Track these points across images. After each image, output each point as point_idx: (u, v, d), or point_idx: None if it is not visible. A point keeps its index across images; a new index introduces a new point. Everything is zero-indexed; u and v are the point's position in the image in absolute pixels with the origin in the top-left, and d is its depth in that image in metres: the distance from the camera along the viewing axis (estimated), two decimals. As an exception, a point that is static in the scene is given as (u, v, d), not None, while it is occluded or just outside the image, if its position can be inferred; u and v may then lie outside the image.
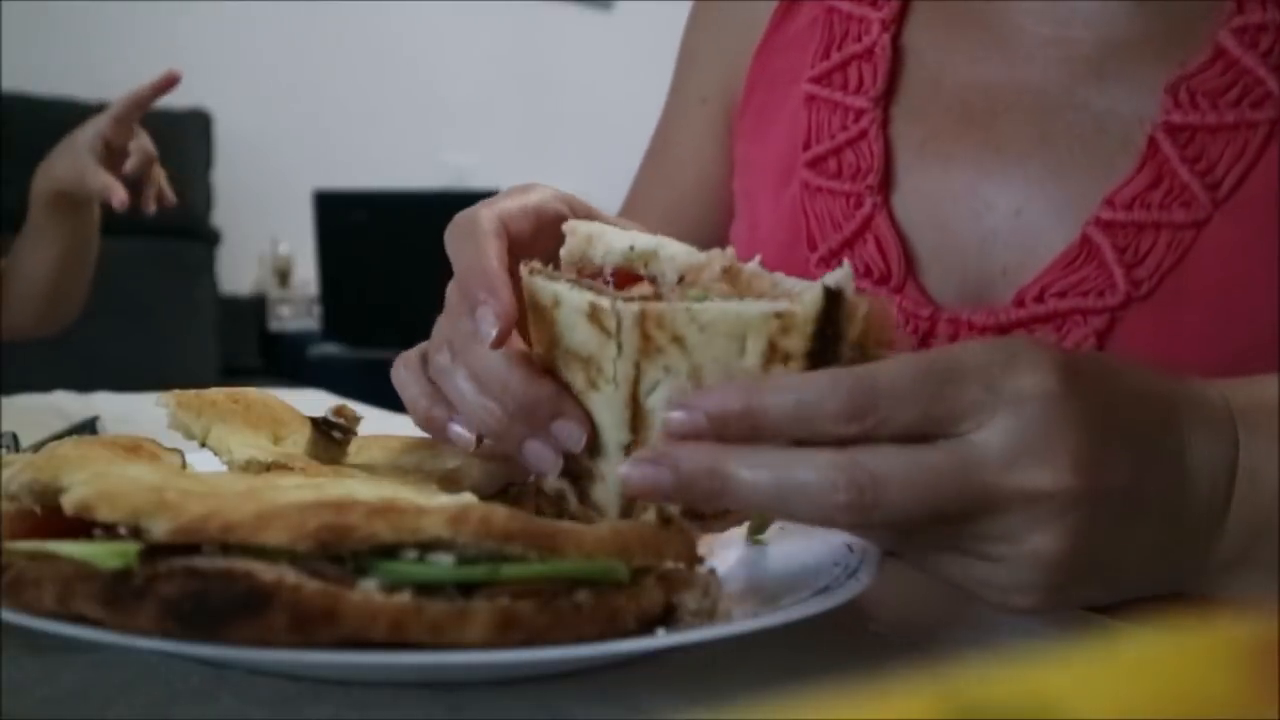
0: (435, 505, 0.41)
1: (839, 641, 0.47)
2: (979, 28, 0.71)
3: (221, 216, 3.23)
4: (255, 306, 3.43)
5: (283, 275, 3.49)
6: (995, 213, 0.67)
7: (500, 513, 0.40)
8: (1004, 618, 0.52)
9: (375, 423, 0.64)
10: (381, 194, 3.07)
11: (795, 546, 0.53)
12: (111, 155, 1.33)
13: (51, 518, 0.43)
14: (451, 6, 3.63)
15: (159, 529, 0.39)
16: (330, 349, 3.15)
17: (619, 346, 0.46)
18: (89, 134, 1.31)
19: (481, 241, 0.50)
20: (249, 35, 3.43)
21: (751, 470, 0.41)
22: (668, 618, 0.43)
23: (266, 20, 3.44)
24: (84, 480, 0.42)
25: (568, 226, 0.51)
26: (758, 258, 0.49)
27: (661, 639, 0.41)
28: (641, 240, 0.50)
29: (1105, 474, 0.43)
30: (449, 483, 0.54)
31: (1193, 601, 0.50)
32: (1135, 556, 0.45)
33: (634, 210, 0.89)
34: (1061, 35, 0.68)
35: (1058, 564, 0.42)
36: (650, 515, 0.48)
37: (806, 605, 0.43)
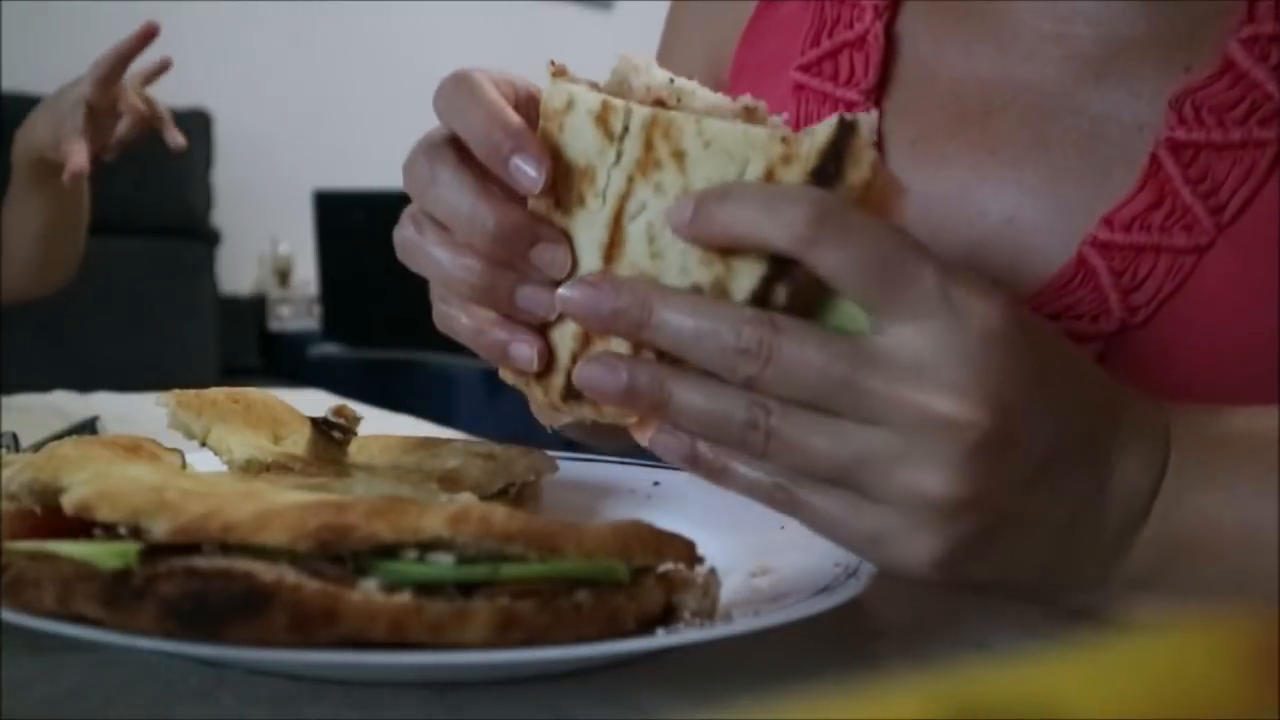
0: (435, 505, 0.41)
1: (839, 641, 0.47)
2: (976, 18, 0.68)
3: (221, 216, 3.23)
4: (255, 306, 3.43)
5: (283, 275, 3.49)
6: (987, 219, 0.64)
7: (500, 513, 0.40)
8: (1004, 618, 0.52)
9: (375, 423, 0.64)
10: (381, 194, 3.07)
11: (795, 546, 0.53)
12: (97, 118, 1.25)
13: (51, 518, 0.43)
14: (451, 6, 3.63)
15: (159, 529, 0.39)
16: (330, 349, 3.15)
17: (618, 154, 0.46)
18: (71, 98, 1.24)
19: (490, 96, 0.47)
20: (249, 35, 3.43)
21: (674, 311, 0.43)
22: (668, 618, 0.43)
23: (266, 20, 3.44)
24: (84, 480, 0.42)
25: (620, 55, 0.49)
26: (784, 115, 0.47)
27: (661, 639, 0.41)
28: (682, 80, 0.48)
29: (1022, 428, 0.41)
30: (449, 483, 0.54)
31: (1088, 619, 0.50)
32: (1036, 541, 0.44)
33: None
34: (1062, 32, 0.65)
35: (949, 510, 0.41)
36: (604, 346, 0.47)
37: (806, 605, 0.43)
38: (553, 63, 0.48)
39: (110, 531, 0.41)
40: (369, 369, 3.02)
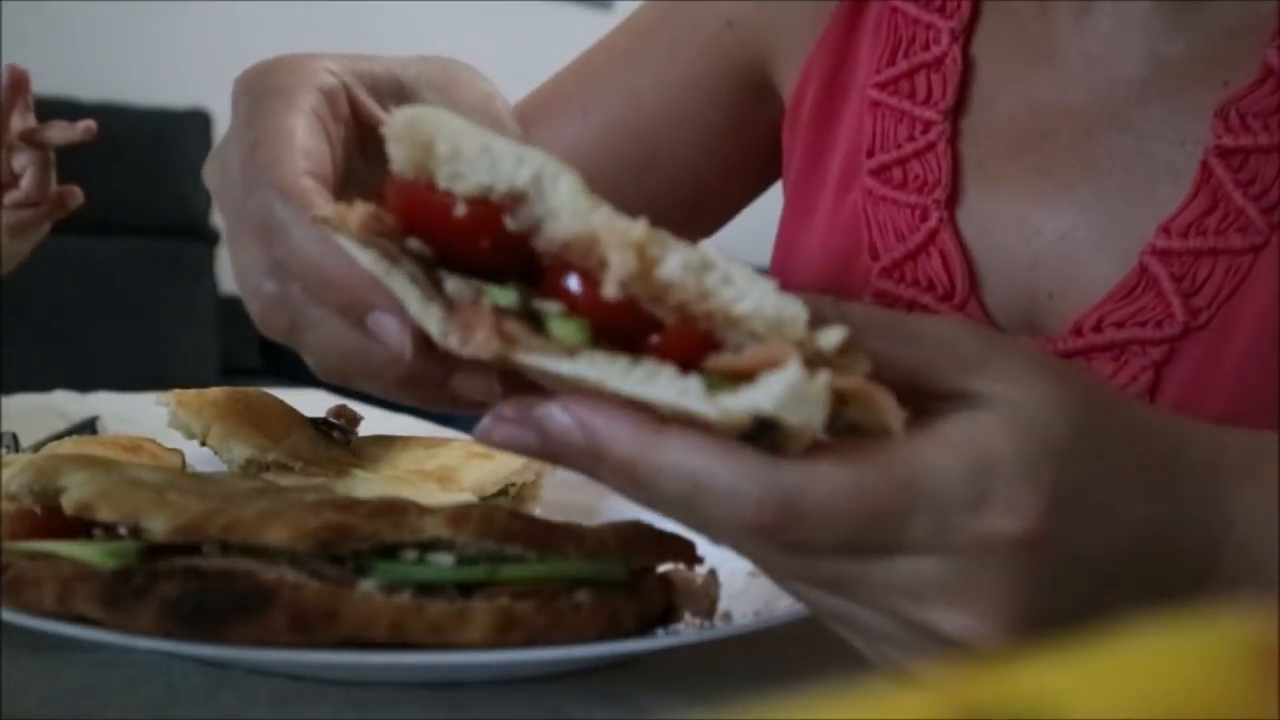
0: (435, 505, 0.41)
1: (839, 641, 0.47)
2: (1035, 45, 0.70)
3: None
4: (255, 306, 3.43)
5: (283, 275, 3.48)
6: (1042, 238, 0.67)
7: (500, 513, 0.40)
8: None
9: (375, 423, 0.64)
10: (381, 194, 3.06)
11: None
12: None
13: (51, 518, 0.43)
14: (451, 6, 3.63)
15: (159, 529, 0.39)
16: (330, 349, 3.15)
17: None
18: None
19: (304, 223, 0.39)
20: (249, 35, 3.43)
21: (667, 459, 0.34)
22: (668, 618, 0.43)
23: (266, 20, 3.44)
24: (84, 480, 0.42)
25: (393, 125, 0.36)
26: (704, 243, 0.35)
27: (661, 639, 0.41)
28: (508, 170, 0.34)
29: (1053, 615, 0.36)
30: (449, 483, 0.54)
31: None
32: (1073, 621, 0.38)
33: (543, 117, 0.76)
34: (1108, 54, 0.68)
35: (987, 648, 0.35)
36: None
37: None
38: (321, 218, 0.38)
39: (110, 531, 0.41)
40: (369, 369, 3.01)
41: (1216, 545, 0.41)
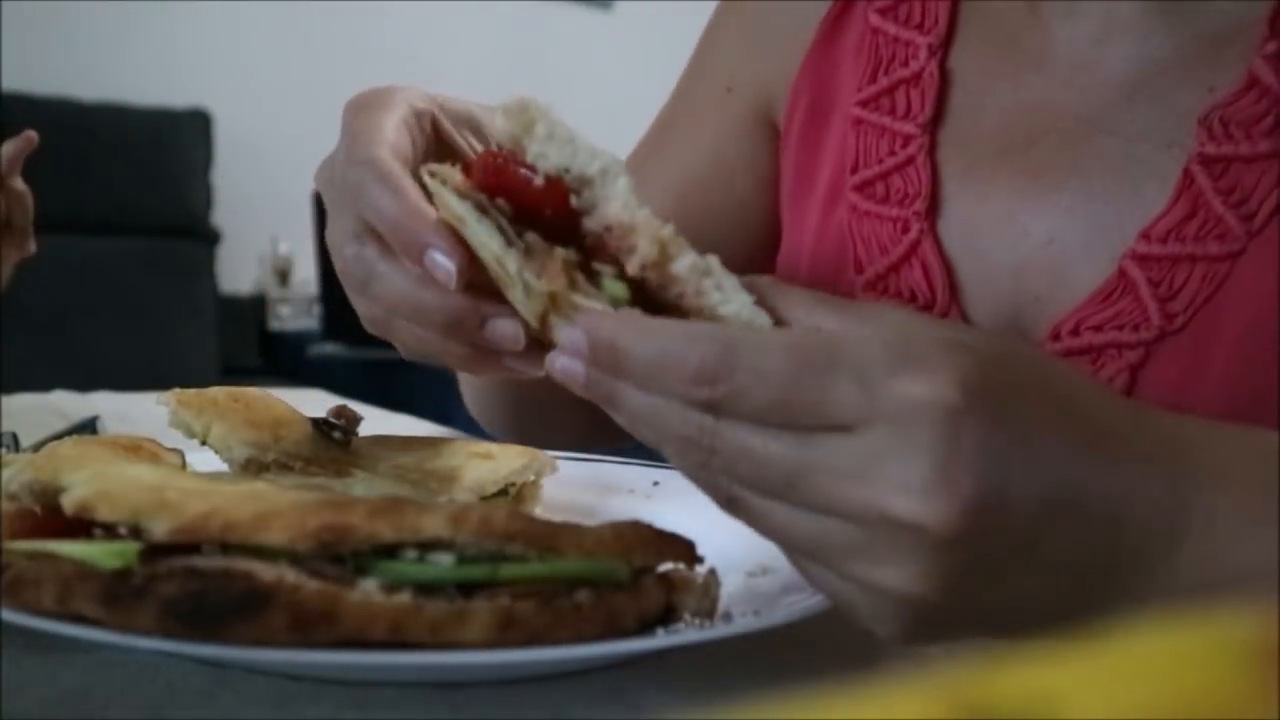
0: (435, 505, 0.41)
1: (839, 641, 0.47)
2: (1020, 51, 0.71)
3: (221, 216, 3.23)
4: (255, 306, 3.43)
5: (283, 275, 3.49)
6: (1029, 241, 0.67)
7: (500, 513, 0.40)
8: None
9: (375, 423, 0.64)
10: (381, 194, 3.06)
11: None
12: None
13: (51, 518, 0.43)
14: (451, 6, 3.63)
15: (159, 529, 0.39)
16: (330, 349, 3.15)
17: (526, 290, 0.44)
18: None
19: (399, 185, 0.50)
20: (249, 35, 3.43)
21: (632, 391, 0.40)
22: (668, 618, 0.43)
23: (266, 20, 3.44)
24: (84, 480, 0.42)
25: (508, 103, 0.46)
26: (713, 258, 0.43)
27: (661, 639, 0.41)
28: (585, 160, 0.44)
29: (996, 512, 0.37)
30: (449, 482, 0.54)
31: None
32: (1023, 605, 0.40)
33: None
34: (1097, 57, 0.68)
35: (913, 606, 0.38)
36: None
37: (806, 605, 0.43)
38: (430, 170, 0.48)
39: (110, 531, 0.41)
40: (369, 369, 3.01)
41: (1169, 535, 0.41)
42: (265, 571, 0.38)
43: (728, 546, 0.53)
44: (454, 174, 0.47)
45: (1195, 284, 0.62)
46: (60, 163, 2.83)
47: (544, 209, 0.44)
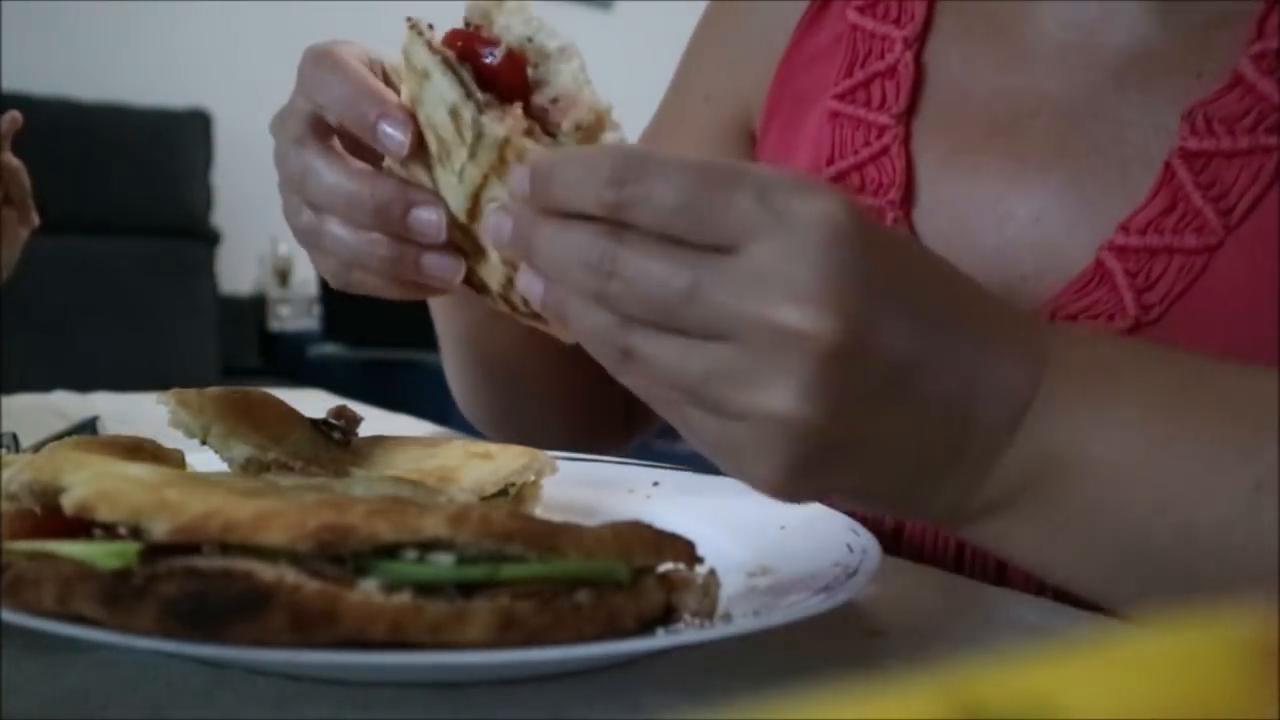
0: (435, 505, 0.41)
1: (839, 641, 0.47)
2: (1004, 37, 0.72)
3: (221, 216, 3.23)
4: (255, 306, 3.43)
5: (283, 275, 3.48)
6: (1015, 221, 0.68)
7: (500, 512, 0.40)
8: (1004, 618, 0.52)
9: (375, 423, 0.64)
10: (381, 194, 3.06)
11: (795, 547, 0.53)
12: None
13: (51, 518, 0.43)
14: (452, 7, 3.62)
15: (159, 529, 0.39)
16: (330, 349, 3.15)
17: (471, 153, 0.47)
18: None
19: (353, 67, 0.52)
20: (249, 35, 3.43)
21: (545, 231, 0.43)
22: (668, 618, 0.43)
23: (266, 20, 3.44)
24: (84, 480, 0.42)
25: None
26: (619, 132, 0.49)
27: (661, 639, 0.41)
28: (546, 36, 0.49)
29: (873, 334, 0.40)
30: (449, 482, 0.54)
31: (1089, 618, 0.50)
32: (891, 454, 0.43)
33: None
34: (1085, 42, 0.69)
35: (798, 429, 0.40)
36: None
37: (806, 605, 0.43)
38: (409, 20, 0.51)
39: (110, 531, 0.41)
40: (369, 369, 3.02)
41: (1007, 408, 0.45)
42: (265, 572, 0.38)
43: (728, 547, 0.53)
44: (429, 30, 0.50)
45: (1172, 276, 0.62)
46: (60, 163, 2.83)
47: (501, 80, 0.48)
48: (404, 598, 0.38)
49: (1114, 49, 0.68)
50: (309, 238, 0.55)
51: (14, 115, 1.15)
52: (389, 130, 0.50)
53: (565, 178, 0.42)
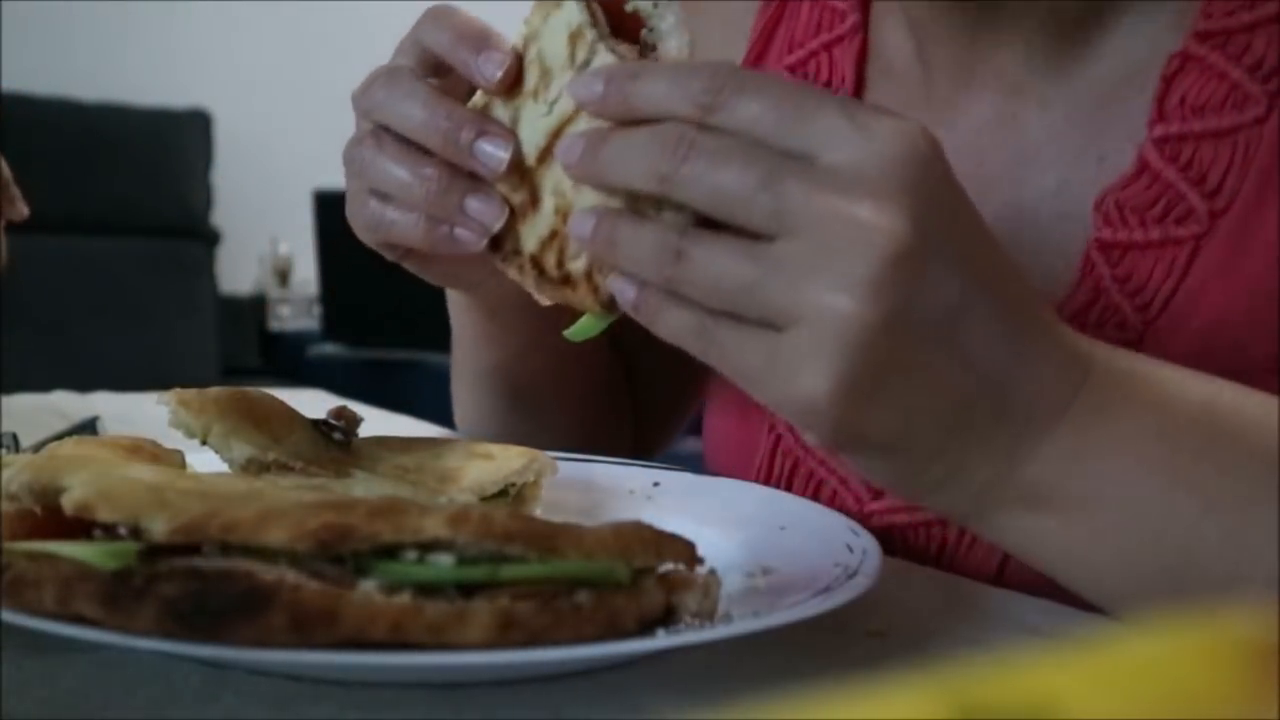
0: (435, 505, 0.41)
1: (839, 642, 0.47)
2: (926, 112, 0.70)
3: (221, 216, 3.23)
4: (255, 306, 3.43)
5: (283, 275, 3.49)
6: None
7: (500, 513, 0.40)
8: (1004, 618, 0.52)
9: (375, 423, 0.64)
10: (381, 194, 3.06)
11: (795, 547, 0.53)
12: None
13: (51, 518, 0.43)
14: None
15: (159, 529, 0.39)
16: (330, 349, 3.15)
17: (587, 62, 0.48)
18: None
19: (467, 16, 0.53)
20: (249, 35, 3.43)
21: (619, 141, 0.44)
22: (668, 618, 0.43)
23: (266, 20, 3.44)
24: (84, 480, 0.42)
25: None
26: None
27: (661, 640, 0.41)
28: (665, 9, 0.50)
29: (942, 258, 0.41)
30: (449, 483, 0.54)
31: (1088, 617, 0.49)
32: (937, 393, 0.43)
33: None
34: (996, 125, 0.68)
35: (859, 329, 0.40)
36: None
37: (807, 606, 0.43)
38: None
39: (110, 531, 0.41)
40: (369, 369, 3.01)
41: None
42: (265, 572, 0.38)
43: (728, 547, 0.53)
44: None
45: None
46: (60, 163, 2.83)
47: (624, 29, 0.50)
48: (404, 598, 0.38)
49: (1021, 132, 0.67)
50: (356, 164, 0.54)
51: None
52: (488, 59, 0.51)
53: (654, 82, 0.43)
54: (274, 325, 3.44)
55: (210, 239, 3.18)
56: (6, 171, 1.10)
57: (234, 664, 0.41)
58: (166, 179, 3.05)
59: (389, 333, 2.98)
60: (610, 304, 0.48)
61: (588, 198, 0.48)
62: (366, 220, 0.55)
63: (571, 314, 0.52)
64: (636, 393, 0.87)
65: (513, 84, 0.51)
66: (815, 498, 0.67)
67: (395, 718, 0.39)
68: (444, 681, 0.42)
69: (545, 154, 0.49)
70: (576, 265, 0.49)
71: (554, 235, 0.50)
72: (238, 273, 3.42)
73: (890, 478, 0.46)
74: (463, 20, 0.53)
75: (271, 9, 3.43)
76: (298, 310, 3.47)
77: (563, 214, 0.49)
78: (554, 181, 0.49)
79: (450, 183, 0.51)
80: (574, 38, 0.49)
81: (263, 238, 3.43)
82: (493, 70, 0.50)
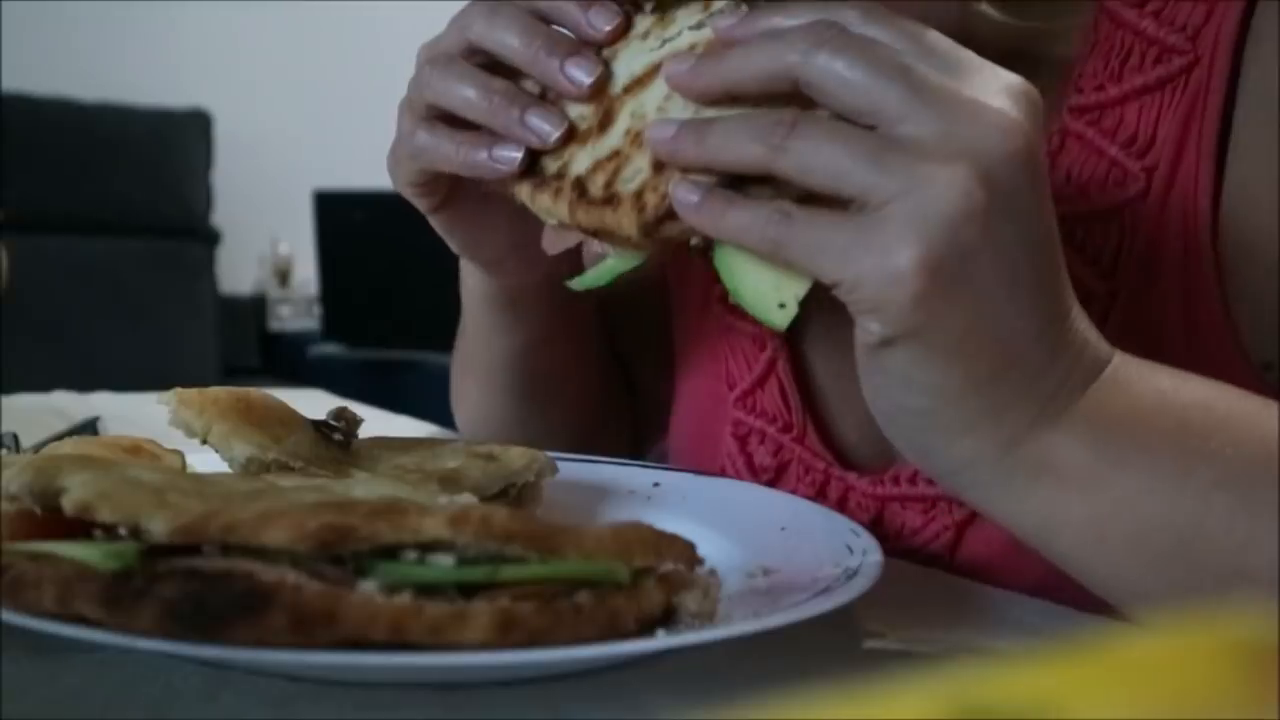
0: (435, 506, 0.41)
1: (839, 642, 0.47)
2: None
3: (221, 216, 3.23)
4: (255, 306, 3.43)
5: (283, 275, 3.49)
6: None
7: (500, 513, 0.40)
8: (1004, 618, 0.52)
9: (375, 424, 0.64)
10: (381, 194, 3.06)
11: (795, 547, 0.53)
12: None
13: (51, 518, 0.43)
14: (452, 7, 3.63)
15: (159, 529, 0.39)
16: (330, 349, 3.15)
17: (700, 23, 0.49)
18: None
19: None
20: (249, 35, 3.43)
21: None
22: (668, 619, 0.43)
23: (266, 20, 3.44)
24: (84, 480, 0.42)
25: None
26: None
27: (662, 640, 0.41)
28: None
29: (1033, 182, 0.43)
30: (449, 483, 0.54)
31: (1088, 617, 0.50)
32: (1007, 307, 0.44)
33: None
34: None
35: (957, 210, 0.41)
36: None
37: (807, 606, 0.43)
38: None
39: (110, 532, 0.41)
40: (369, 369, 3.02)
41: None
42: (266, 572, 0.38)
43: (728, 547, 0.53)
44: None
45: None
46: (60, 163, 2.83)
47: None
48: (404, 599, 0.38)
49: None
50: (419, 86, 0.55)
51: None
52: (602, 11, 0.51)
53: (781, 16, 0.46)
54: (274, 325, 3.44)
55: (210, 239, 3.18)
56: None
57: (234, 664, 0.41)
58: (166, 179, 3.05)
59: (389, 333, 2.98)
60: (652, 223, 0.48)
61: (676, 113, 0.48)
62: (410, 149, 0.55)
63: (576, 269, 0.52)
64: (634, 394, 0.87)
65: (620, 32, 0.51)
66: (775, 481, 0.69)
67: (395, 718, 0.39)
68: (444, 681, 0.42)
69: (635, 84, 0.50)
70: (628, 185, 0.49)
71: (613, 157, 0.50)
72: (238, 273, 3.42)
73: (930, 399, 0.45)
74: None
75: (271, 9, 3.43)
76: (298, 310, 3.48)
77: (633, 135, 0.49)
78: (636, 105, 0.49)
79: (516, 96, 0.52)
80: None
81: (263, 238, 3.43)
82: (602, 24, 0.51)
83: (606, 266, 0.51)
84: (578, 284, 0.52)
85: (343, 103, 3.54)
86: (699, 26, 0.49)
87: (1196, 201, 0.58)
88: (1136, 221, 0.59)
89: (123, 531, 0.40)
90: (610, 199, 0.49)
